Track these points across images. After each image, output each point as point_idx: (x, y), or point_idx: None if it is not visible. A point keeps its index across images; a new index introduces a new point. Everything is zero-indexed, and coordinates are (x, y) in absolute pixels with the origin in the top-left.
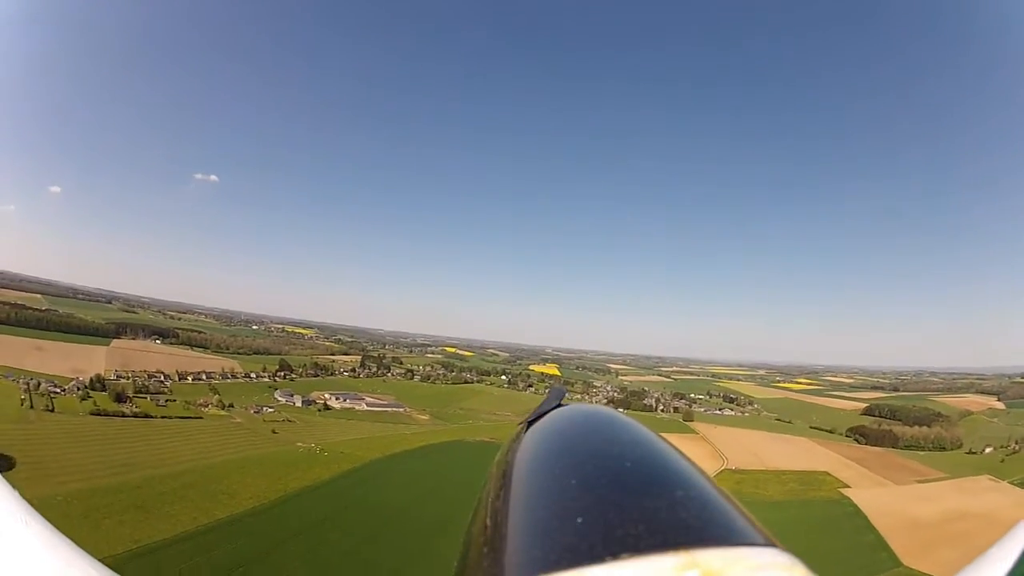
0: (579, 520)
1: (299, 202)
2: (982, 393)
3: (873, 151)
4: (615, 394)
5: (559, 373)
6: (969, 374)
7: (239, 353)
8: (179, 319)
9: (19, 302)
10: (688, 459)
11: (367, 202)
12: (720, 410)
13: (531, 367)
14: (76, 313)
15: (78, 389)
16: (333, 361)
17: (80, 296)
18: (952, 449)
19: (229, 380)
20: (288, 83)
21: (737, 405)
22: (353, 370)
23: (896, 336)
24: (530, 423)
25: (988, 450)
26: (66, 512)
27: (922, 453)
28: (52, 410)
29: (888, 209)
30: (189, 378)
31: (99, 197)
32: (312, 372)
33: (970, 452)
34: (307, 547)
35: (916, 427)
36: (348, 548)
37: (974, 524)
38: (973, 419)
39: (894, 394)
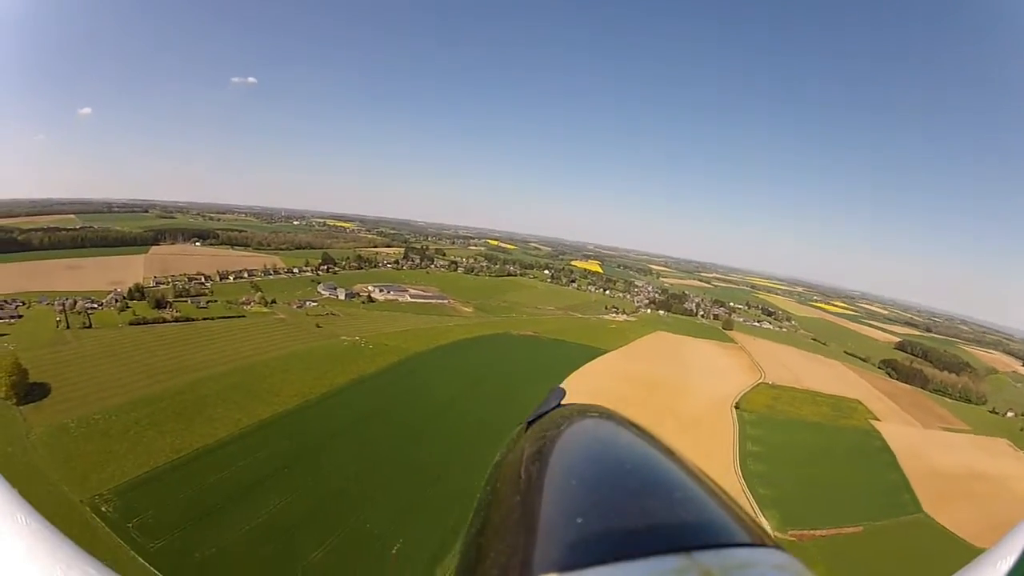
0: (579, 521)
1: (338, 97)
2: (1009, 354)
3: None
4: (656, 295)
5: (601, 270)
6: (998, 331)
7: (281, 249)
8: (218, 220)
9: (52, 225)
10: (688, 460)
11: (407, 93)
12: (759, 322)
13: (573, 262)
14: (112, 226)
15: (116, 301)
16: (376, 254)
17: (115, 209)
18: (977, 404)
19: (272, 276)
20: None
21: (775, 319)
22: (396, 262)
23: (934, 273)
24: (530, 423)
25: (1010, 414)
26: (105, 431)
27: (950, 401)
28: (89, 326)
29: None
30: (231, 277)
31: (130, 111)
32: (355, 265)
33: (993, 411)
34: (353, 445)
35: (945, 372)
36: (394, 445)
37: (990, 487)
38: (998, 378)
39: (926, 334)
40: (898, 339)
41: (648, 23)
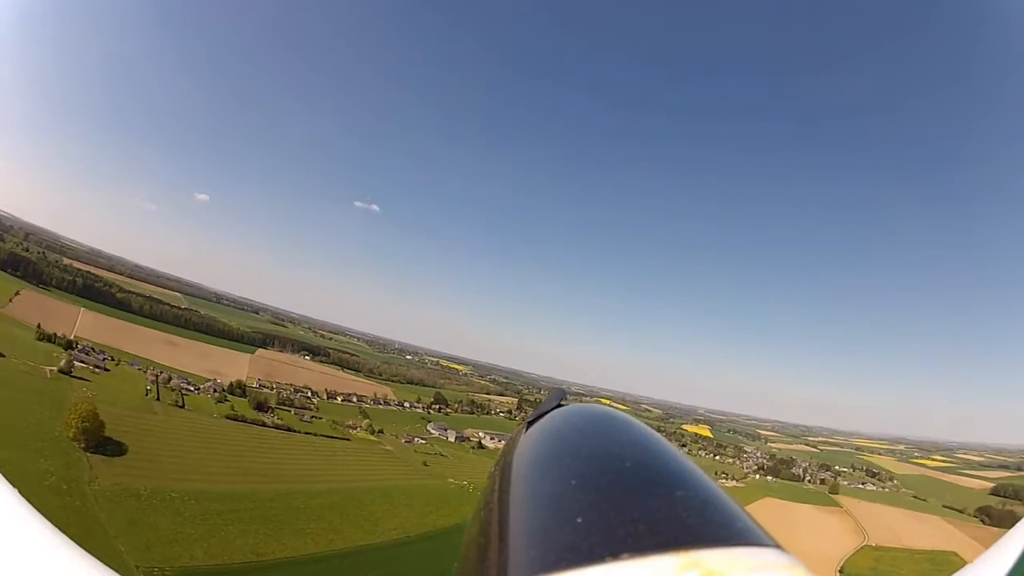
0: (579, 520)
1: (461, 238)
2: None
3: None
4: (764, 461)
5: (711, 435)
6: None
7: (393, 380)
8: (330, 339)
9: (155, 296)
10: (688, 459)
11: (525, 242)
12: (863, 484)
13: (684, 426)
14: (219, 317)
15: (214, 391)
16: (489, 400)
17: (224, 302)
18: None
19: (381, 406)
20: (469, 112)
21: (878, 480)
22: (509, 412)
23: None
24: (530, 423)
25: None
26: (179, 510)
27: None
28: (182, 406)
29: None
30: (339, 398)
31: (249, 211)
32: (467, 409)
33: None
34: None
35: None
36: None
37: None
38: None
39: (1018, 473)
40: (992, 484)
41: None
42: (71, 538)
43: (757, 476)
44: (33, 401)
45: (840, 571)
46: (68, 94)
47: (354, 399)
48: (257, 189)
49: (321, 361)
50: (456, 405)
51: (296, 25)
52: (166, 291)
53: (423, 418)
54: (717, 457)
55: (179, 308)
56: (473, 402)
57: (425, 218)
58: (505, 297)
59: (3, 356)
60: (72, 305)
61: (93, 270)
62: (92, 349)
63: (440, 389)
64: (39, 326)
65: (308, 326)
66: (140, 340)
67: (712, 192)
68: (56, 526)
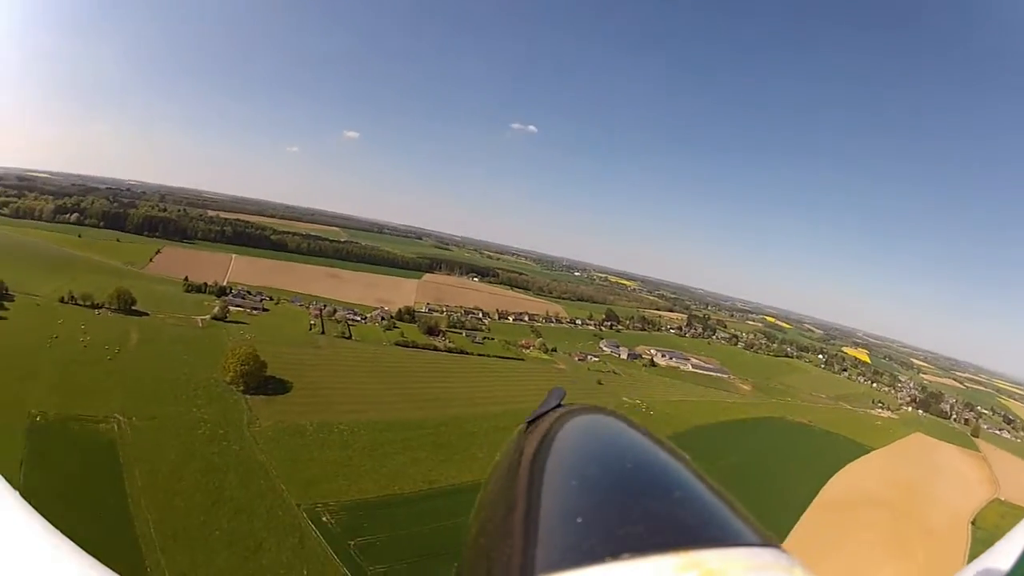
0: (579, 520)
1: (619, 153)
2: None
3: None
4: (916, 393)
5: (869, 360)
6: None
7: (563, 298)
8: (497, 259)
9: (313, 233)
10: (687, 460)
11: (689, 156)
12: (999, 430)
13: (844, 348)
14: (381, 246)
15: (382, 319)
16: (659, 316)
17: (386, 231)
18: None
19: (553, 324)
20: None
21: (1013, 428)
22: (679, 328)
23: None
24: (530, 423)
25: None
26: (347, 442)
27: None
28: (349, 337)
29: None
30: (510, 318)
31: (404, 144)
32: (638, 326)
33: None
34: None
35: None
36: None
37: None
38: None
39: None
40: None
41: None
42: (70, 538)
43: (908, 408)
44: (184, 352)
45: (972, 523)
46: (198, 49)
47: (525, 318)
48: (409, 120)
49: (490, 282)
50: (627, 321)
51: None
52: (323, 227)
53: (595, 335)
54: (874, 384)
55: (339, 242)
56: (644, 318)
57: (584, 138)
58: (669, 212)
59: (147, 315)
60: (221, 254)
61: (242, 217)
62: (248, 292)
63: (611, 306)
64: (186, 279)
65: (473, 248)
66: (300, 277)
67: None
68: (56, 526)
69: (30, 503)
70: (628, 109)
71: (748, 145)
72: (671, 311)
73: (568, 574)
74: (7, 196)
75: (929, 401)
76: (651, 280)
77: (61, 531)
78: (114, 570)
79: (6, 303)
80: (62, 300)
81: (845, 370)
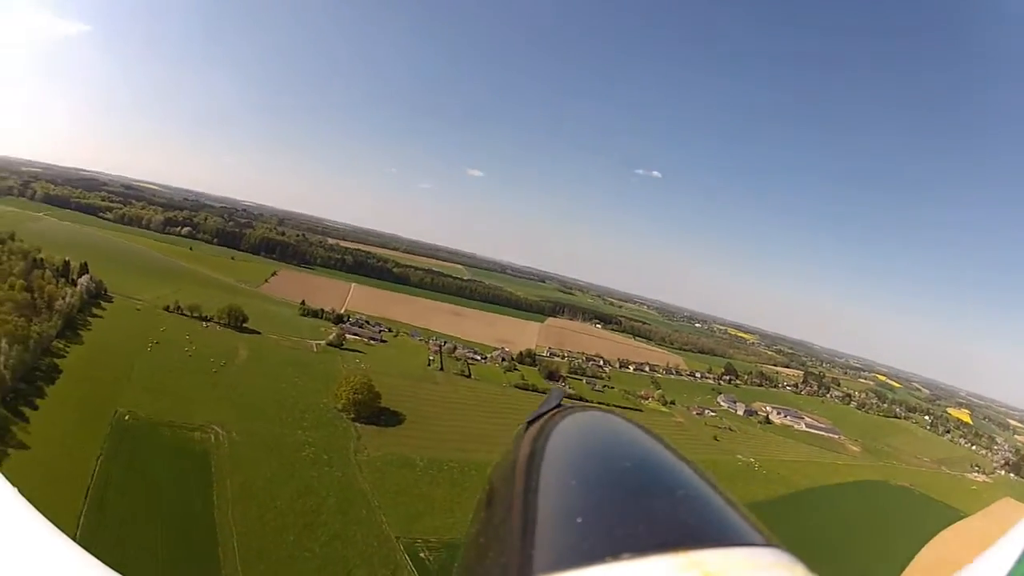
0: (579, 520)
1: (744, 205)
2: None
3: None
4: (1009, 455)
5: (970, 421)
6: None
7: (684, 349)
8: (620, 307)
9: (438, 270)
10: (688, 460)
11: (820, 215)
12: None
13: (948, 409)
14: (504, 287)
15: (502, 360)
16: (777, 372)
17: (509, 272)
18: None
19: (673, 376)
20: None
21: None
22: (795, 385)
23: None
24: (530, 423)
25: None
26: (458, 482)
27: None
28: (468, 376)
29: None
30: (631, 367)
31: (527, 185)
32: (756, 381)
33: None
34: None
35: None
36: None
37: None
38: None
39: None
40: None
41: None
42: (70, 538)
43: (1002, 472)
44: (295, 374)
45: None
46: (330, 81)
47: (646, 368)
48: (533, 163)
49: (612, 329)
50: (745, 376)
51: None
52: (446, 264)
53: (713, 389)
54: (973, 447)
55: (462, 279)
56: (762, 374)
57: (708, 183)
58: (790, 267)
59: (258, 334)
60: (340, 281)
61: (364, 248)
62: (366, 322)
63: (731, 359)
64: (303, 303)
65: (596, 294)
66: (420, 312)
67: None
68: (56, 526)
69: (39, 508)
70: (758, 157)
71: (882, 220)
72: (788, 367)
73: (568, 574)
74: (111, 202)
75: (1020, 464)
76: (770, 335)
77: (75, 530)
78: (116, 570)
79: (104, 303)
80: (167, 308)
81: (948, 431)
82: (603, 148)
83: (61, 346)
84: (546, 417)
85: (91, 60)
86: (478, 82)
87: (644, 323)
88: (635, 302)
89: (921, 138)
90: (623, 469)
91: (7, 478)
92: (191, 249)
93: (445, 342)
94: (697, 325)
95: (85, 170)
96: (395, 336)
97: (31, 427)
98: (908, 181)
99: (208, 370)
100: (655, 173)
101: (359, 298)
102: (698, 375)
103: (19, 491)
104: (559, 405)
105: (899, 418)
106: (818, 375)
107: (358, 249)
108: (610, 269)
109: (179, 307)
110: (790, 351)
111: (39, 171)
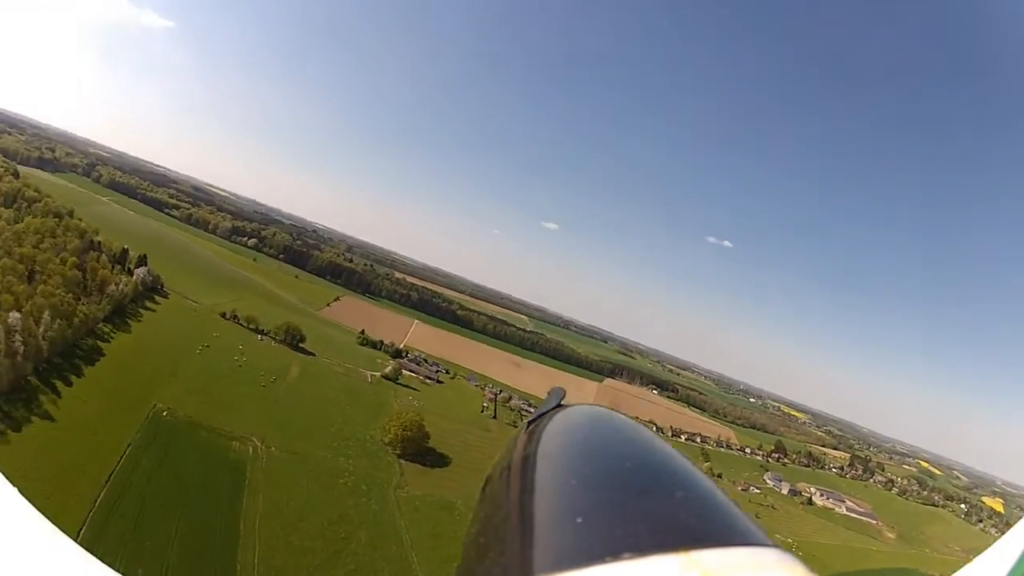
0: (579, 520)
1: (814, 282)
2: None
3: None
4: None
5: (1003, 510)
6: None
7: (736, 423)
8: (678, 374)
9: (499, 316)
10: (688, 460)
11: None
12: None
13: (983, 498)
14: (566, 342)
15: None
16: (824, 454)
17: (572, 328)
18: None
19: (723, 449)
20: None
21: None
22: (841, 468)
23: None
24: (530, 423)
25: None
26: None
27: None
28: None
29: None
30: (682, 437)
31: (601, 243)
32: (803, 461)
33: None
34: None
35: None
36: None
37: None
38: None
39: None
40: None
41: None
42: (71, 538)
43: None
44: (346, 401)
45: None
46: (412, 124)
47: (697, 439)
48: (608, 220)
49: (668, 396)
50: (794, 456)
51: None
52: (511, 312)
53: (761, 466)
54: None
55: (524, 330)
56: (810, 454)
57: (782, 253)
58: (850, 345)
59: (313, 355)
60: (403, 316)
61: (430, 286)
62: (424, 360)
63: (781, 437)
64: (362, 332)
65: (656, 359)
66: (480, 357)
67: None
68: (56, 526)
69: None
70: (836, 232)
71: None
72: (836, 449)
73: (568, 574)
74: (179, 200)
75: None
76: (821, 414)
77: (62, 531)
78: (115, 569)
79: (159, 298)
80: (223, 315)
81: (981, 520)
82: (677, 212)
83: (107, 330)
84: (546, 417)
85: (171, 56)
86: (564, 136)
87: (700, 393)
88: (693, 371)
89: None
90: (623, 469)
91: (6, 477)
92: (255, 261)
93: (501, 391)
94: (751, 400)
95: (154, 163)
96: (452, 378)
97: (61, 402)
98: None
99: (257, 383)
100: (726, 243)
101: (420, 335)
102: (748, 450)
103: (19, 491)
104: (559, 405)
105: (937, 506)
106: (864, 459)
107: (425, 287)
108: (672, 335)
109: (236, 316)
110: (839, 432)
111: (106, 155)
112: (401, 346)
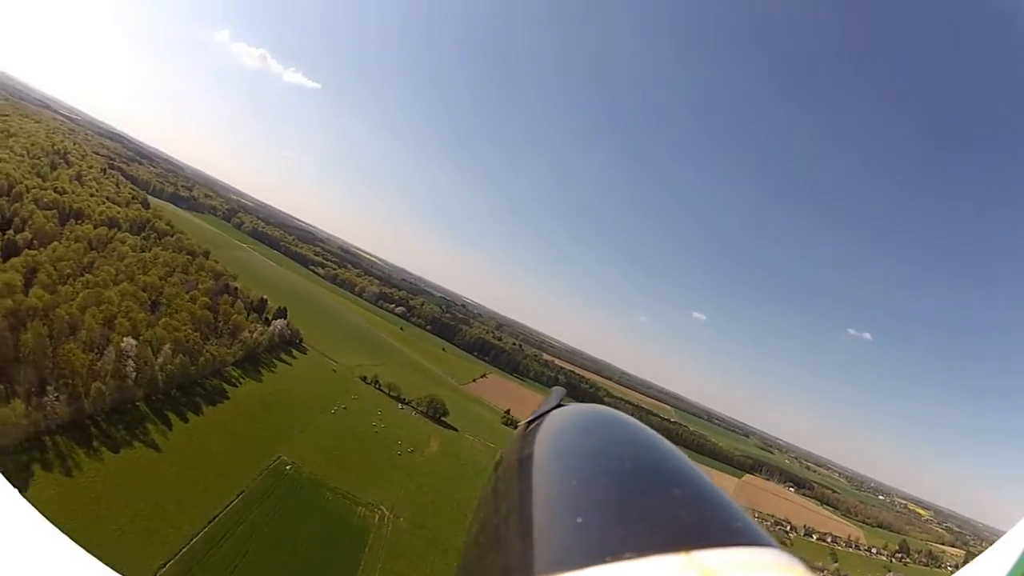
0: (579, 520)
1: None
2: None
3: None
4: None
5: None
6: None
7: (865, 523)
8: (814, 471)
9: (646, 407)
10: (688, 460)
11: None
12: None
13: None
14: (708, 435)
15: None
16: (943, 551)
17: (715, 421)
18: None
19: (851, 549)
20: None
21: None
22: (956, 566)
23: None
24: (530, 423)
25: None
26: None
27: None
28: None
29: None
30: (813, 536)
31: (745, 334)
32: (923, 560)
33: None
34: None
35: None
36: None
37: None
38: None
39: None
40: None
41: None
42: (71, 538)
43: None
44: (478, 481)
45: None
46: (573, 209)
47: (828, 539)
48: (756, 314)
49: (804, 494)
50: (916, 555)
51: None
52: (655, 402)
53: (884, 566)
54: None
55: (669, 421)
56: (930, 552)
57: (928, 349)
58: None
59: (455, 430)
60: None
61: (577, 370)
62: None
63: (905, 536)
64: (508, 412)
65: (794, 455)
66: None
67: None
68: (56, 526)
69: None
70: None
71: None
72: (953, 546)
73: (568, 574)
74: (325, 259)
75: None
76: (943, 510)
77: (62, 531)
78: (115, 570)
79: (296, 352)
80: (363, 379)
81: None
82: (817, 304)
83: (236, 374)
84: (546, 417)
85: (320, 116)
86: (717, 234)
87: (834, 491)
88: (828, 467)
89: None
90: (623, 469)
91: (7, 478)
92: (402, 329)
93: None
94: (880, 497)
95: (299, 219)
96: None
97: (171, 434)
98: None
99: (392, 451)
100: (866, 335)
101: None
102: (874, 551)
103: (20, 492)
104: (559, 405)
105: None
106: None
107: (573, 371)
108: (810, 431)
109: (377, 381)
110: (958, 530)
111: (248, 204)
112: None
